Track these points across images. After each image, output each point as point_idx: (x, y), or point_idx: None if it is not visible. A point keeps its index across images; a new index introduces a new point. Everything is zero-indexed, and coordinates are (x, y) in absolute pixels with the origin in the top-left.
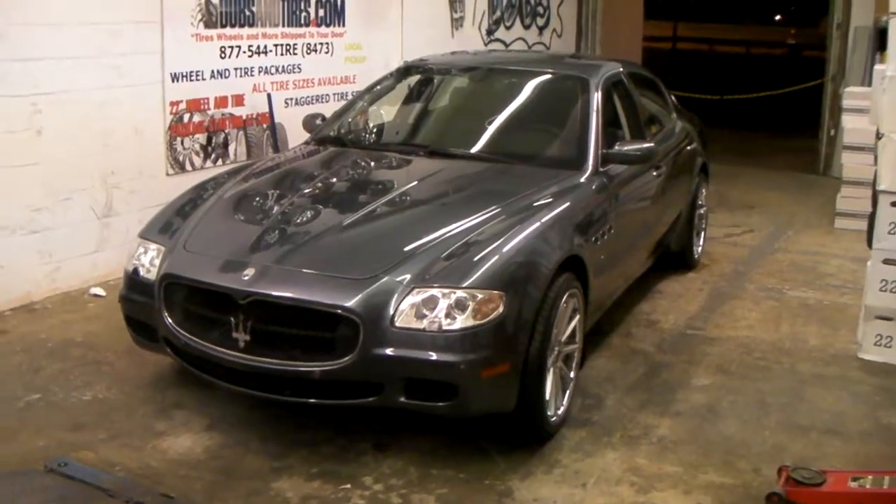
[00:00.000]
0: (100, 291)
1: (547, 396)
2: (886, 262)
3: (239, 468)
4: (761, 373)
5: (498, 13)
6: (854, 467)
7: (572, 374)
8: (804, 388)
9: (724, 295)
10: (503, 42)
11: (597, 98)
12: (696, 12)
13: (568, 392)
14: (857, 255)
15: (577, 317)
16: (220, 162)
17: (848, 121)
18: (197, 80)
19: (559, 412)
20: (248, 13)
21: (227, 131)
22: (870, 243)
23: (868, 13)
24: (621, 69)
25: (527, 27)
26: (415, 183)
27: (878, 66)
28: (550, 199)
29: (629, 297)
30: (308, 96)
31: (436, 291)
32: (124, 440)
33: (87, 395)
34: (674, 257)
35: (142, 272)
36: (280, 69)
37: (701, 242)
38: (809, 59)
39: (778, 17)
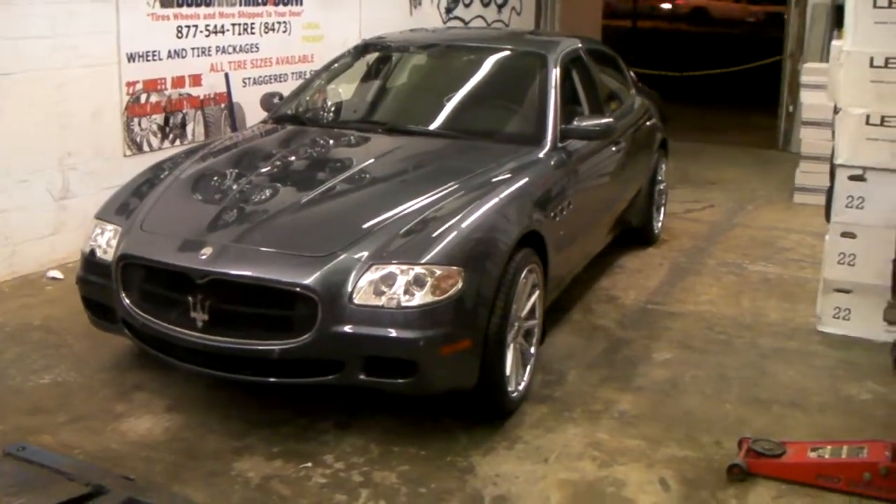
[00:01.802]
0: (57, 274)
1: (507, 372)
2: (844, 235)
3: (200, 449)
4: (722, 347)
5: None
6: (815, 439)
7: (533, 350)
8: (765, 362)
9: (684, 270)
10: (462, 20)
11: (555, 74)
12: None
13: (529, 368)
14: (815, 229)
15: (537, 292)
16: (177, 142)
17: (806, 97)
18: (154, 59)
19: (520, 388)
20: None
21: (184, 111)
22: (828, 217)
23: None
24: (580, 45)
25: (486, 5)
26: (373, 160)
27: (835, 42)
28: (509, 175)
29: (590, 272)
30: (266, 75)
31: (394, 268)
32: (84, 423)
33: (45, 378)
34: (634, 233)
35: (99, 253)
36: (237, 48)
37: (661, 218)
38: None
39: None
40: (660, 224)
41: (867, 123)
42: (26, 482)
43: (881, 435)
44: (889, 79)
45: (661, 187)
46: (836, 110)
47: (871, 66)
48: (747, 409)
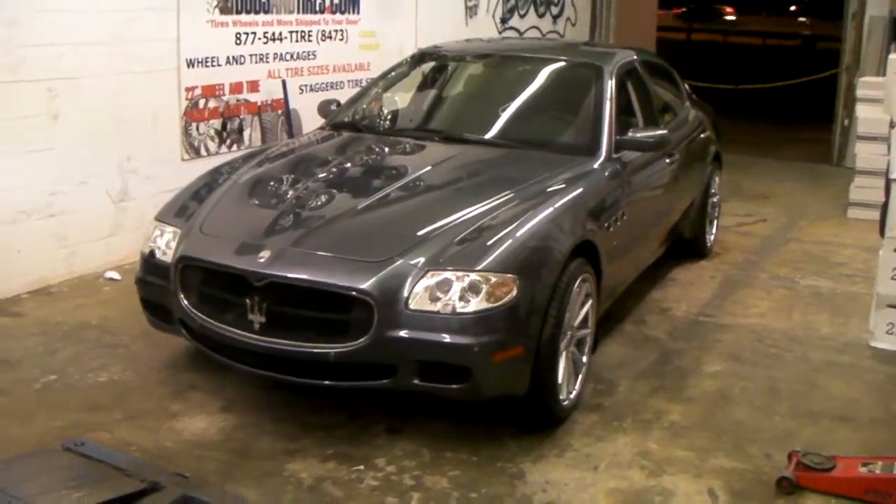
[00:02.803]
0: (115, 275)
1: (559, 380)
2: None
3: (253, 449)
4: (773, 360)
5: (512, 2)
6: (864, 454)
7: (585, 359)
8: (816, 375)
9: (736, 283)
10: (517, 30)
11: (610, 85)
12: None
13: (580, 377)
14: (869, 244)
15: (590, 302)
16: (234, 147)
17: (862, 110)
18: (212, 66)
19: (571, 396)
20: (263, 0)
21: (241, 117)
22: (882, 232)
23: (883, 3)
24: (635, 57)
25: (541, 16)
26: (428, 168)
27: (892, 56)
28: (563, 185)
29: (641, 284)
30: (323, 83)
31: (449, 274)
32: (140, 421)
33: (102, 376)
34: (686, 245)
35: (158, 255)
36: (295, 56)
37: (713, 231)
38: (823, 50)
39: (793, 8)
40: (712, 237)
41: None
42: (84, 476)
43: None
44: None
45: (715, 200)
46: (892, 124)
47: None
48: (797, 421)
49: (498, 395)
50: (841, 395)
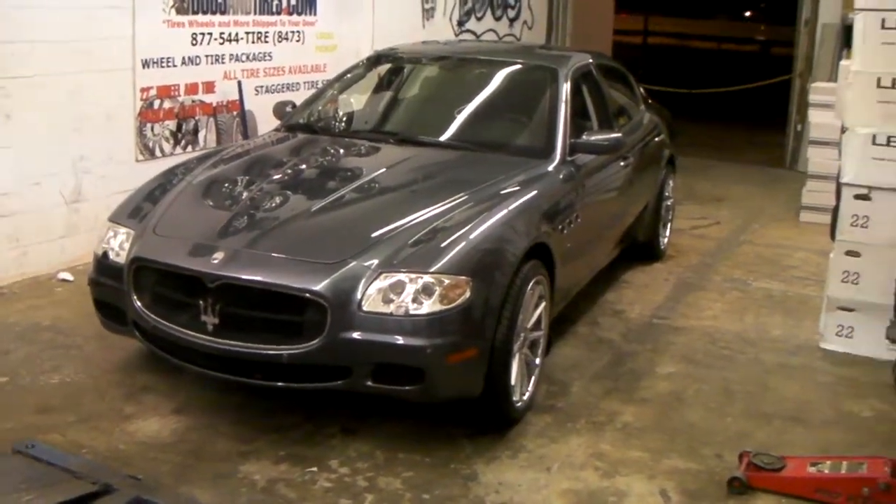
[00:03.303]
0: (68, 276)
1: (512, 382)
2: (848, 253)
3: (207, 451)
4: (726, 362)
5: (469, 4)
6: (815, 454)
7: (538, 361)
8: (768, 377)
9: (689, 286)
10: (474, 33)
11: (565, 88)
12: (668, 6)
13: (533, 378)
14: (821, 247)
15: (543, 304)
16: (189, 148)
17: (814, 116)
18: (168, 66)
19: (524, 398)
20: (219, 0)
21: (197, 118)
22: (833, 236)
23: (836, 10)
24: (590, 60)
25: (497, 19)
26: (383, 170)
27: (843, 62)
28: (518, 187)
29: (596, 286)
30: (279, 84)
31: (403, 276)
32: (93, 423)
33: (55, 378)
34: (640, 248)
35: (111, 256)
36: (251, 57)
37: (667, 233)
38: (779, 55)
39: (748, 14)
40: (666, 239)
41: (874, 143)
42: (35, 479)
43: (882, 452)
44: None
45: (669, 203)
46: (843, 130)
47: (879, 86)
48: (749, 423)
49: (452, 396)
50: (793, 396)
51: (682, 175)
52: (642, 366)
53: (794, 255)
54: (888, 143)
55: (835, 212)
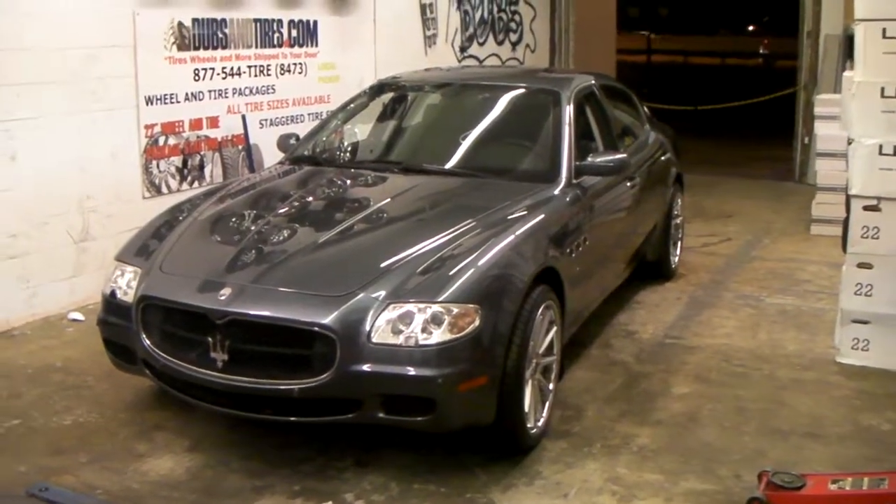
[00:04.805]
0: (78, 316)
1: (526, 409)
2: (860, 265)
3: (220, 488)
4: (740, 380)
5: (471, 30)
6: (834, 470)
7: (551, 386)
8: (783, 393)
9: (701, 304)
10: (476, 58)
11: (569, 111)
12: (670, 24)
13: (547, 404)
14: (833, 260)
15: (554, 328)
16: (196, 184)
17: (821, 128)
18: (171, 102)
19: (539, 424)
20: (220, 35)
21: (202, 153)
22: (844, 248)
23: (838, 21)
24: (593, 82)
25: (500, 43)
26: (389, 200)
27: (846, 73)
28: (524, 212)
29: (607, 308)
30: (283, 117)
31: (411, 307)
32: (105, 463)
33: (67, 419)
34: (651, 268)
35: (119, 295)
36: (254, 90)
37: (678, 252)
38: (783, 68)
39: (751, 28)
40: (677, 258)
41: (880, 153)
42: None
43: None
44: None
45: (678, 221)
46: (849, 141)
47: (882, 96)
48: (766, 440)
49: (464, 425)
50: (809, 411)
51: (690, 192)
52: (656, 386)
53: (806, 269)
54: (895, 153)
55: (845, 224)
